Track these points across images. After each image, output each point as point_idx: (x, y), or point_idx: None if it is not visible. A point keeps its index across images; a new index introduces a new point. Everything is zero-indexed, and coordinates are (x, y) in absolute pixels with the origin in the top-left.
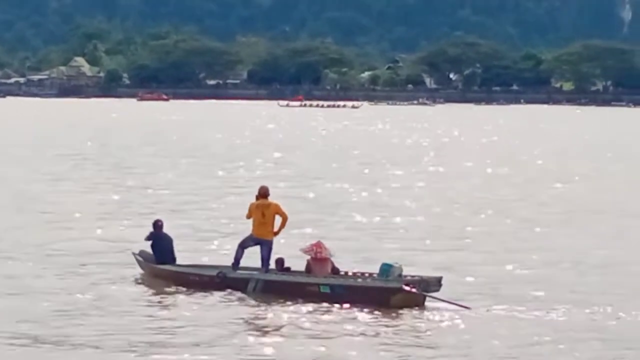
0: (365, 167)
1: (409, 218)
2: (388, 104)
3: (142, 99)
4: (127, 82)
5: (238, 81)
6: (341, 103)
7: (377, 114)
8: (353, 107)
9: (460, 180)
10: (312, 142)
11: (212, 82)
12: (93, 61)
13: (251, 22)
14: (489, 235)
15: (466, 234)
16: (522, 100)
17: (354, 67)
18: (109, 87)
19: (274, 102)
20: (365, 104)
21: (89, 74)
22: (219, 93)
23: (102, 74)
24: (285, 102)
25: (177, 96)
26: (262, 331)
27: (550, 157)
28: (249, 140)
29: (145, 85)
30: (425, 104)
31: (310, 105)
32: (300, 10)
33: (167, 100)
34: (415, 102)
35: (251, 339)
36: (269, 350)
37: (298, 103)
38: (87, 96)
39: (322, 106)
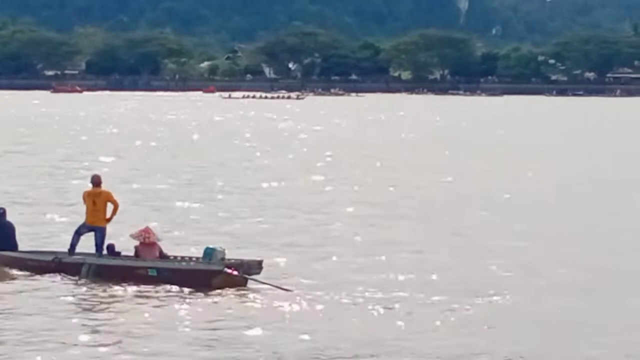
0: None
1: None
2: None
3: (56, 90)
4: None
5: (76, 72)
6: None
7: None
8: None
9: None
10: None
11: (50, 72)
12: None
13: (88, 13)
14: (317, 224)
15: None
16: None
17: (193, 57)
18: None
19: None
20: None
21: None
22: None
23: None
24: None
25: (15, 87)
26: (91, 315)
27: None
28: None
29: None
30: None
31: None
32: (137, 0)
33: (80, 92)
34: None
35: (77, 321)
36: (94, 333)
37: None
38: None
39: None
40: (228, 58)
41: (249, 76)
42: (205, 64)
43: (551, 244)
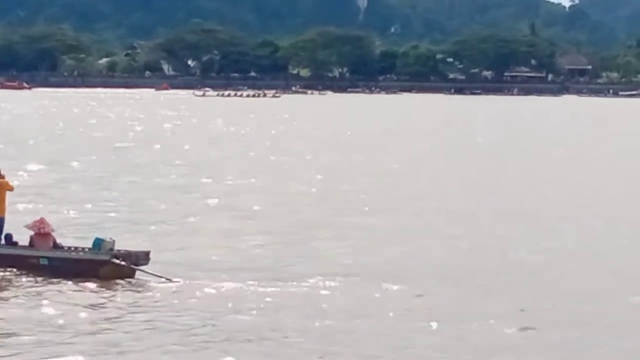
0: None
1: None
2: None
3: (3, 86)
4: None
5: None
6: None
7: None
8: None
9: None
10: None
11: None
12: None
13: None
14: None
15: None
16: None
17: (92, 54)
18: None
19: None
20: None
21: None
22: None
23: None
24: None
25: None
26: None
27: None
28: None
29: None
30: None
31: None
32: None
33: (29, 88)
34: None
35: None
36: None
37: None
38: None
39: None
40: (127, 54)
41: (148, 73)
42: (104, 60)
43: None
